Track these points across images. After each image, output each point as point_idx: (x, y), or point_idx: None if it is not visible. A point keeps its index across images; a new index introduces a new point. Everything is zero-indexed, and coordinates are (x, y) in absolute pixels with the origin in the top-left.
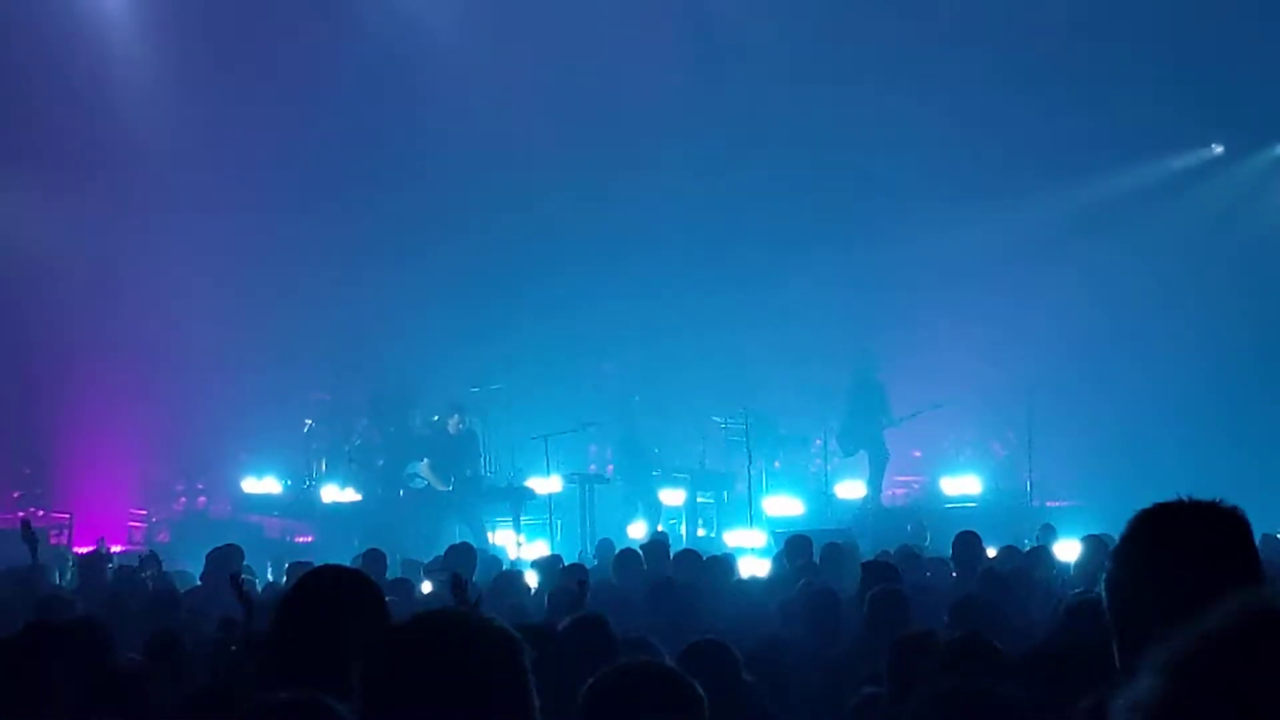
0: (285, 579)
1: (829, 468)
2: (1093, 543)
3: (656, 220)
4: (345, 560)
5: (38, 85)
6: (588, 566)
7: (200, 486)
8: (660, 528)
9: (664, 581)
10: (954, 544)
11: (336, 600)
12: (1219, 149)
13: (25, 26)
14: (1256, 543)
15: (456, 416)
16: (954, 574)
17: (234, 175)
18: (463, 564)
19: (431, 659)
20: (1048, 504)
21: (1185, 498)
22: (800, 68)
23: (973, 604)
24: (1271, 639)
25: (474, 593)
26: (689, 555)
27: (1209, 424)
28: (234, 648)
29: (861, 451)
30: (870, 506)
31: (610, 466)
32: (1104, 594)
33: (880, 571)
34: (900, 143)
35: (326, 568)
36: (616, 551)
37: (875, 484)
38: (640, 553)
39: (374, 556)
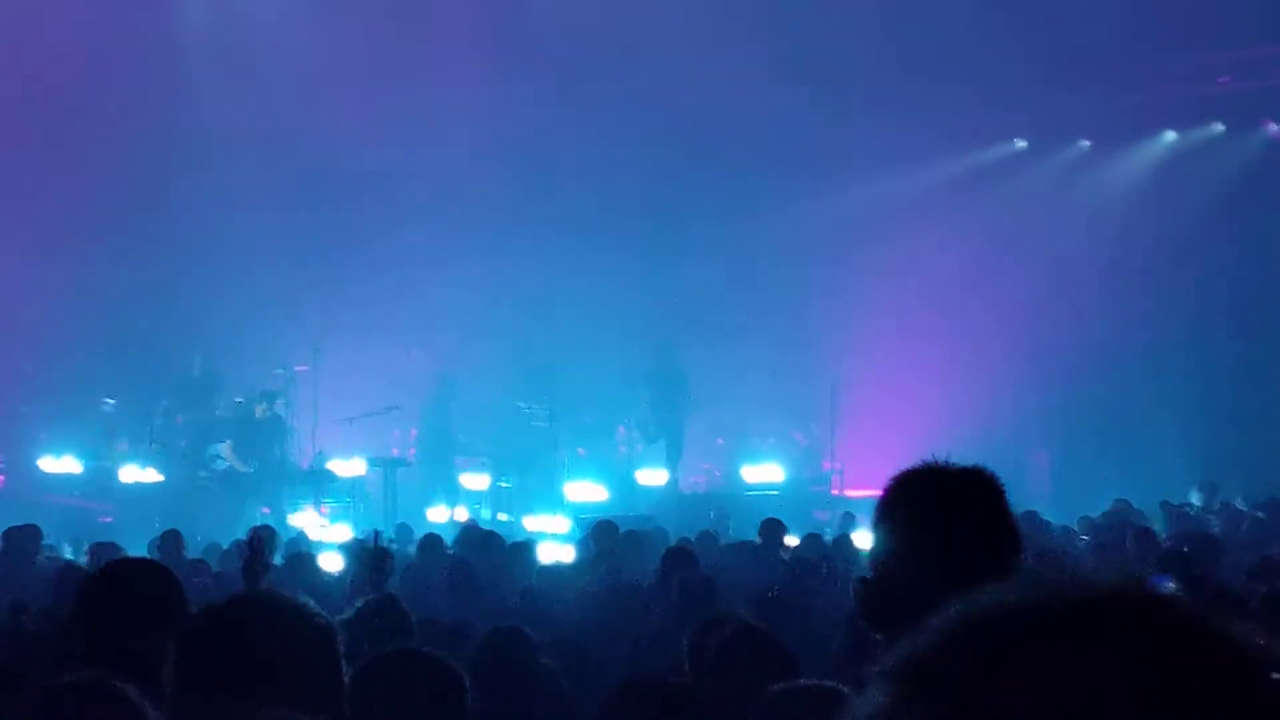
0: (88, 559)
1: (632, 455)
2: None
3: (464, 205)
4: (145, 540)
5: None
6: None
7: None
8: (463, 513)
9: (462, 565)
10: (759, 530)
11: (138, 593)
12: (1022, 144)
13: None
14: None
15: (263, 403)
16: (756, 559)
17: (46, 152)
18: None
19: (243, 641)
20: (848, 493)
21: (938, 461)
22: (617, 61)
23: (774, 596)
24: (997, 640)
25: (266, 576)
26: (491, 537)
27: (1013, 417)
28: (32, 627)
29: (662, 439)
30: (671, 493)
31: (412, 450)
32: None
33: (681, 557)
34: (698, 132)
35: (129, 560)
36: (418, 536)
37: (674, 470)
38: (441, 537)
39: (172, 538)
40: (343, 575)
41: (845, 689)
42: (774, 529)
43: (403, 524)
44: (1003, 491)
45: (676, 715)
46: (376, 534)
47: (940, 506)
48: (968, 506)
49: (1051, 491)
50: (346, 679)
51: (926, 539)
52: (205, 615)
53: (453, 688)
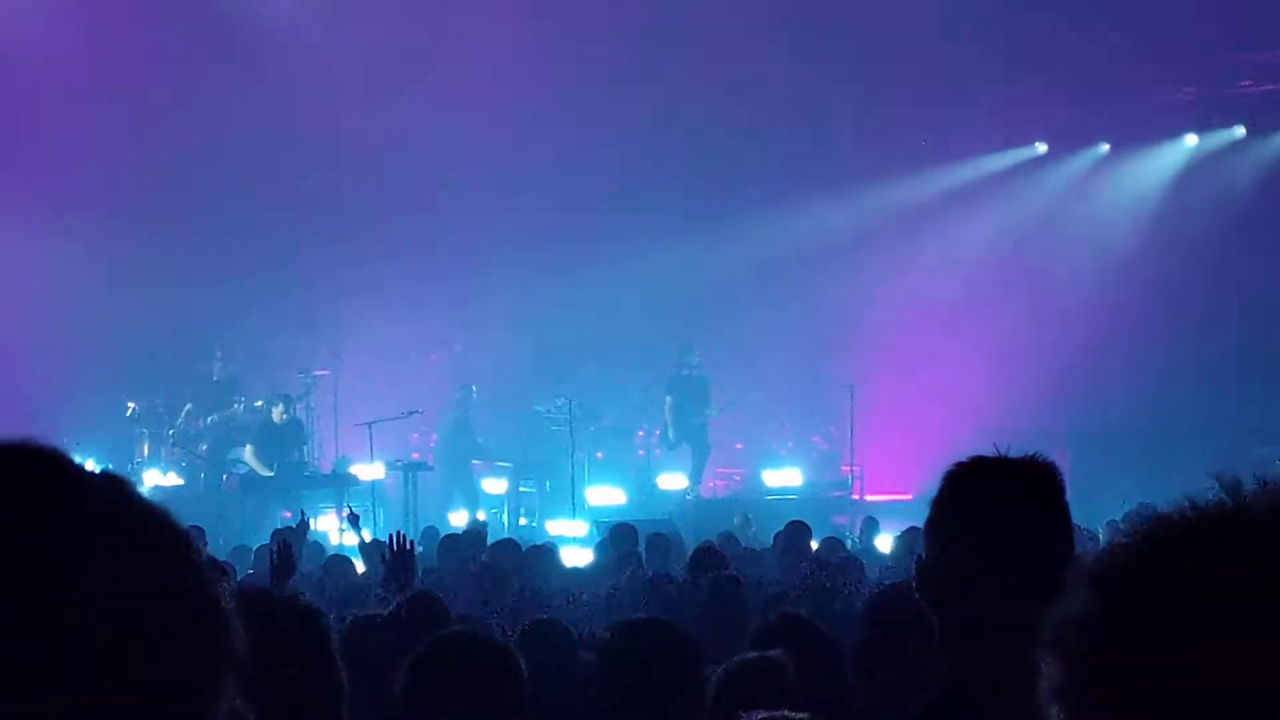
0: None
1: (652, 459)
2: (911, 534)
3: (483, 210)
4: None
5: None
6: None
7: None
8: (481, 516)
9: (489, 567)
10: (783, 533)
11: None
12: (1042, 147)
13: None
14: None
15: (281, 404)
16: (780, 563)
17: (68, 158)
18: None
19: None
20: (868, 498)
21: (997, 452)
22: (630, 67)
23: (797, 596)
24: (1205, 543)
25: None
26: (508, 544)
27: (1032, 419)
28: None
29: (684, 444)
30: (691, 498)
31: (432, 455)
32: (916, 569)
33: (711, 557)
34: (726, 135)
35: None
36: (441, 538)
37: (696, 475)
38: (460, 540)
39: (194, 534)
40: (365, 577)
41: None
42: (798, 532)
43: (430, 527)
44: (1059, 479)
45: (670, 651)
46: (399, 535)
47: (1001, 493)
48: (1028, 494)
49: (1071, 494)
50: (404, 668)
51: (987, 525)
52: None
53: (510, 669)
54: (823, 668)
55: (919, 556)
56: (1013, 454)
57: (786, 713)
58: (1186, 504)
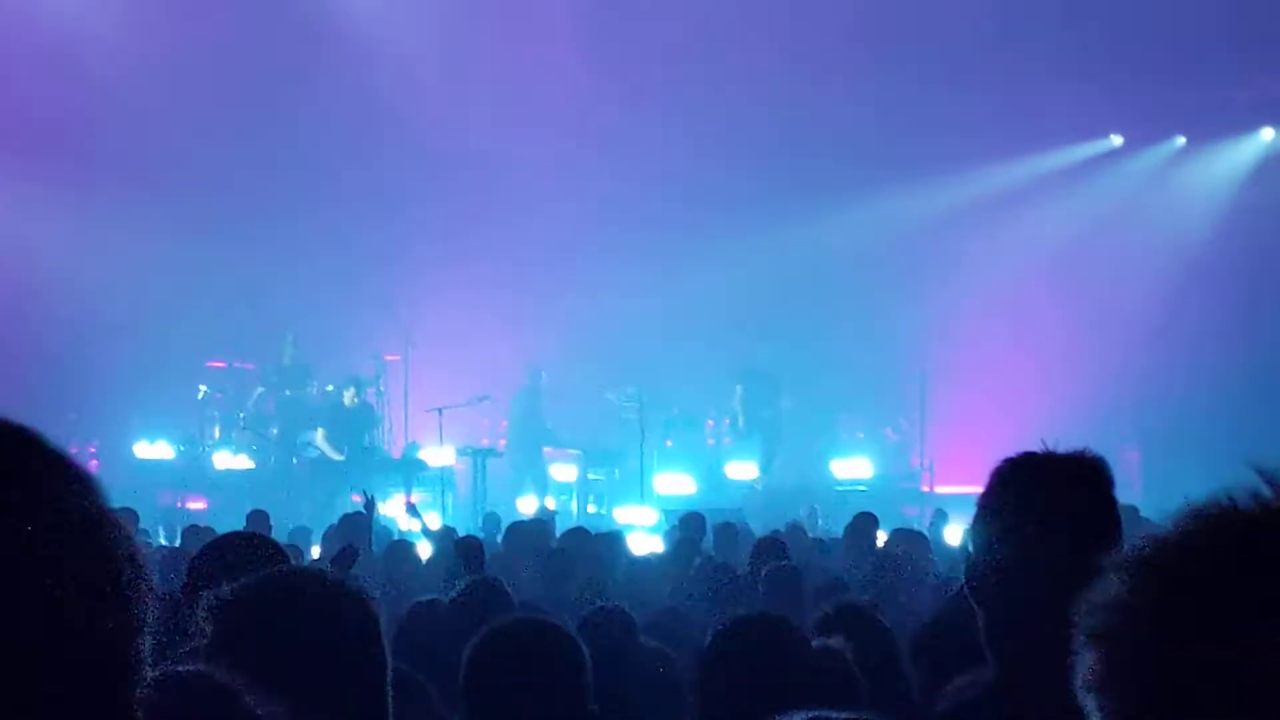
0: (180, 542)
1: (720, 446)
2: None
3: (555, 199)
4: (237, 527)
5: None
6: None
7: (92, 450)
8: (550, 503)
9: (556, 554)
10: (850, 525)
11: (245, 562)
12: (1118, 139)
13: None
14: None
15: (353, 388)
16: (847, 554)
17: (146, 144)
18: (357, 534)
19: (283, 616)
20: (938, 489)
21: (1045, 448)
22: (707, 55)
23: (860, 585)
24: (1243, 535)
25: (350, 559)
26: (578, 531)
27: (1106, 418)
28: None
29: (754, 432)
30: (760, 487)
31: (502, 441)
32: (964, 562)
33: (772, 549)
34: (787, 125)
35: (235, 534)
36: (505, 525)
37: (766, 465)
38: (529, 527)
39: (258, 519)
40: (432, 562)
41: None
42: (865, 524)
43: (490, 514)
44: (1108, 474)
45: (779, 649)
46: (452, 531)
47: (1048, 490)
48: (1075, 491)
49: (1142, 490)
50: (464, 655)
51: (1033, 521)
52: (240, 592)
53: (574, 655)
54: (879, 659)
55: (966, 552)
56: (1061, 449)
57: (825, 712)
58: (1225, 496)
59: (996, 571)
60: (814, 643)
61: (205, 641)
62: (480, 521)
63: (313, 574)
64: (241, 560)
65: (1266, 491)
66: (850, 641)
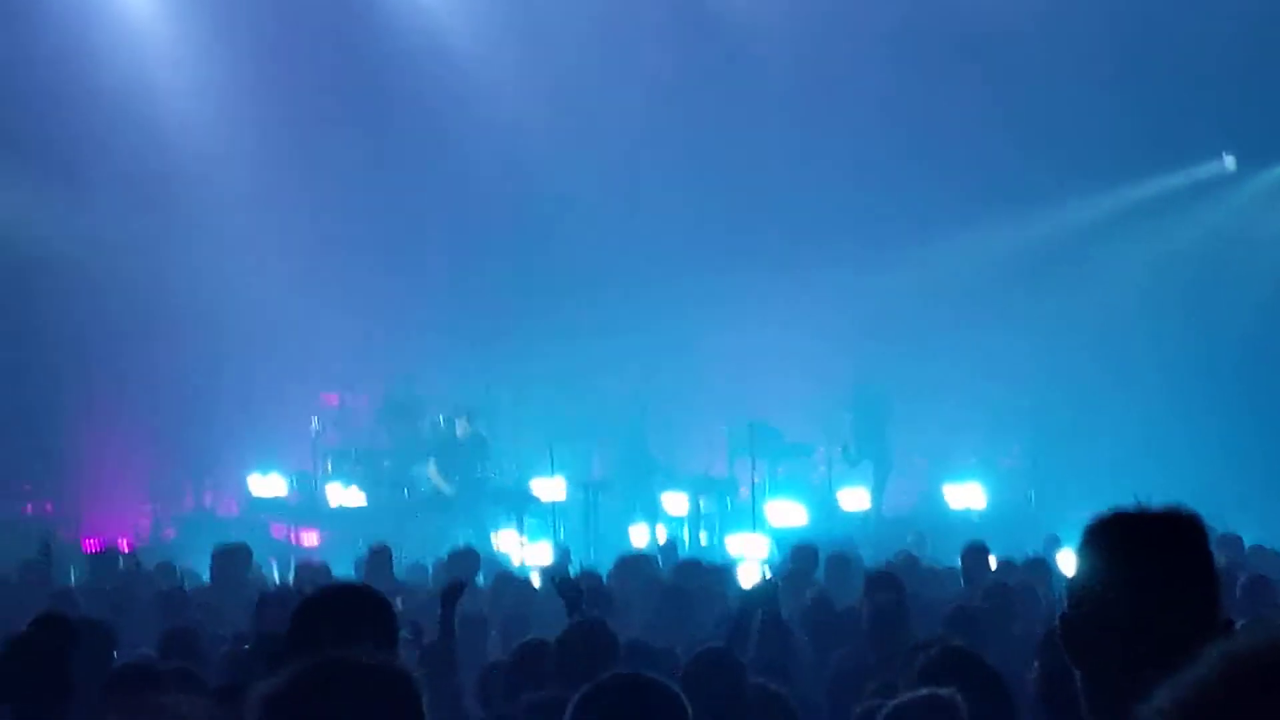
0: (293, 577)
1: (832, 475)
2: None
3: (659, 229)
4: (351, 561)
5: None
6: (588, 571)
7: (207, 484)
8: (662, 533)
9: (670, 589)
10: (962, 555)
11: (350, 610)
12: (1231, 160)
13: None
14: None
15: (464, 419)
16: (961, 584)
17: (244, 171)
18: (466, 568)
19: (324, 707)
20: (1051, 515)
21: (1138, 504)
22: (808, 77)
23: (970, 616)
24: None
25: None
26: (691, 565)
27: (1218, 440)
28: (246, 646)
29: (866, 460)
30: (873, 515)
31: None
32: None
33: (883, 581)
34: (912, 155)
35: (343, 584)
36: (618, 557)
37: (879, 492)
38: (640, 560)
39: (381, 555)
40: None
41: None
42: (976, 553)
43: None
44: (1204, 532)
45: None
46: (561, 572)
47: (1139, 550)
48: (1165, 550)
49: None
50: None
51: (1124, 582)
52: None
53: (675, 714)
54: (986, 705)
55: (1061, 610)
56: (1166, 494)
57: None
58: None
59: (1090, 629)
60: (923, 691)
61: None
62: (590, 553)
63: (352, 665)
64: (347, 615)
65: None
66: (961, 691)
